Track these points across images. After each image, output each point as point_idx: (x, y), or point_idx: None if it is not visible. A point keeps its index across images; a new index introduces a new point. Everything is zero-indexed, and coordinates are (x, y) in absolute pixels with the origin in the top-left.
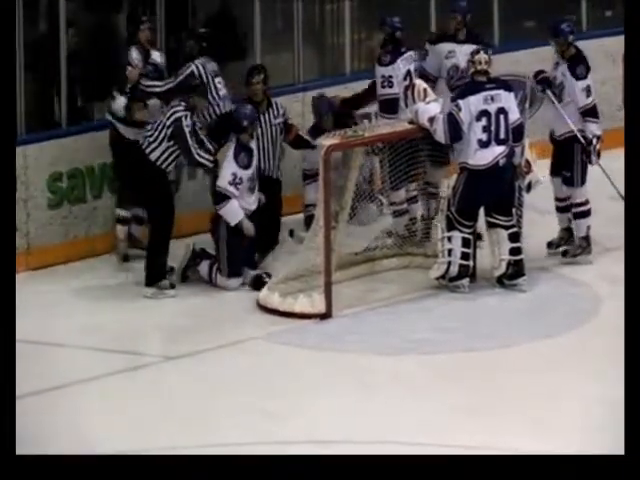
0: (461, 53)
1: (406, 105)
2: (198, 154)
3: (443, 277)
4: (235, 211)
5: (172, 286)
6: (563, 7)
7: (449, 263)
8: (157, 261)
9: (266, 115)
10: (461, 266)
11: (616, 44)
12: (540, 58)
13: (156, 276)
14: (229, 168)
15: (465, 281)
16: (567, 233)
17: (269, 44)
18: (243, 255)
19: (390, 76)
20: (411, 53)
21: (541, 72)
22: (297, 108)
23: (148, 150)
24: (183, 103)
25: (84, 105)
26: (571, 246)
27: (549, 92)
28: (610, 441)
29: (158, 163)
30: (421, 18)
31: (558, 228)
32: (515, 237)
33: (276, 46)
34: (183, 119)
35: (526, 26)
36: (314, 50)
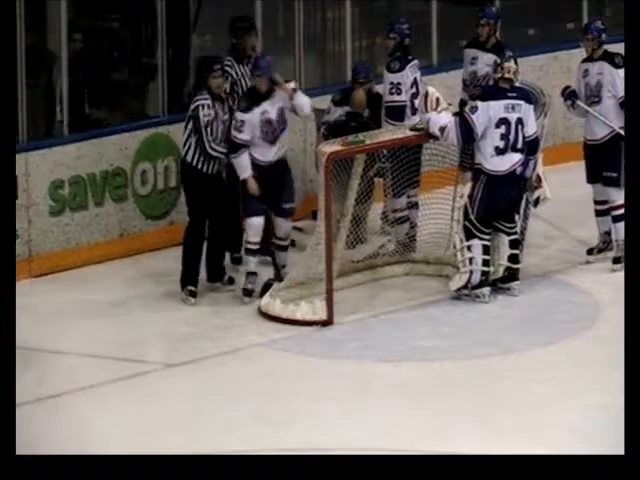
0: (482, 61)
1: (412, 113)
2: (211, 147)
3: (465, 287)
4: (243, 165)
5: (192, 294)
6: (564, 15)
7: (471, 272)
8: (185, 267)
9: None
10: (482, 274)
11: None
12: (537, 66)
13: (182, 281)
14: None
15: (486, 290)
16: (608, 237)
17: (270, 51)
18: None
19: (399, 83)
20: (417, 61)
21: (567, 87)
22: None
23: (183, 152)
24: (207, 94)
25: (86, 112)
26: (622, 254)
27: (580, 102)
28: (610, 442)
29: (194, 164)
30: (422, 24)
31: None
32: (515, 244)
33: (277, 53)
34: (200, 108)
35: (527, 34)
36: (315, 57)
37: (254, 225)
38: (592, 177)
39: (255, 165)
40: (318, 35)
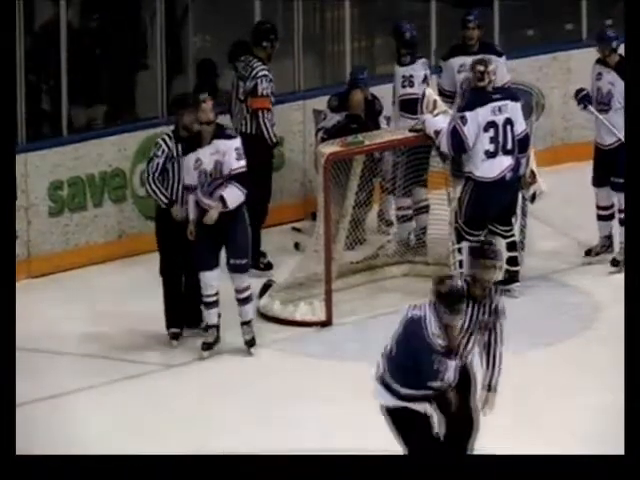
0: None
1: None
2: (149, 184)
3: None
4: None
5: (174, 336)
6: (563, 15)
7: (461, 274)
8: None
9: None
10: None
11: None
12: (537, 67)
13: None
14: None
15: None
16: (608, 240)
17: None
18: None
19: (411, 75)
20: (425, 60)
21: (581, 90)
22: (297, 116)
23: None
24: (169, 133)
25: (85, 113)
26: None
27: (591, 108)
28: (610, 442)
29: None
30: (422, 26)
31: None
32: (512, 246)
33: (276, 54)
34: (154, 146)
35: (526, 35)
36: (314, 58)
37: (206, 279)
38: (598, 180)
39: (203, 211)
40: (317, 36)
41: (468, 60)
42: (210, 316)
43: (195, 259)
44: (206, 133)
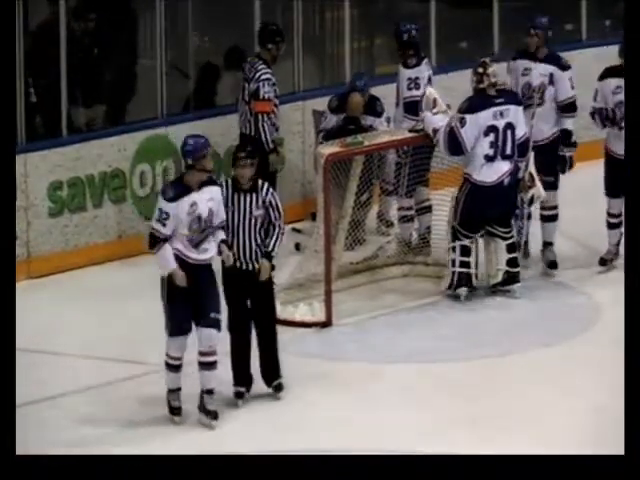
0: (536, 71)
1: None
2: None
3: (450, 287)
4: (167, 257)
5: (238, 395)
6: (563, 17)
7: (453, 273)
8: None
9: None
10: (460, 274)
11: (615, 53)
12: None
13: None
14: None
15: (463, 290)
16: (617, 248)
17: None
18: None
19: (417, 78)
20: (427, 60)
21: (600, 110)
22: (297, 117)
23: None
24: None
25: (85, 113)
26: None
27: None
28: (610, 442)
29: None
30: (421, 26)
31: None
32: (512, 248)
33: None
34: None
35: (525, 35)
36: (314, 59)
37: (176, 343)
38: (613, 191)
39: (184, 263)
40: (317, 37)
41: (532, 65)
42: (176, 380)
43: (169, 321)
44: (196, 177)
